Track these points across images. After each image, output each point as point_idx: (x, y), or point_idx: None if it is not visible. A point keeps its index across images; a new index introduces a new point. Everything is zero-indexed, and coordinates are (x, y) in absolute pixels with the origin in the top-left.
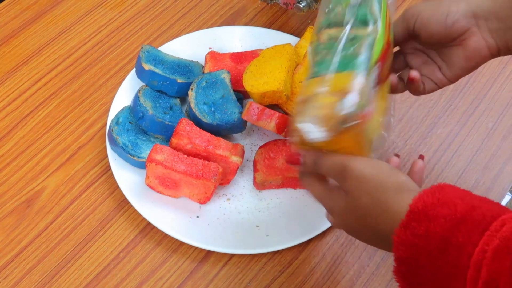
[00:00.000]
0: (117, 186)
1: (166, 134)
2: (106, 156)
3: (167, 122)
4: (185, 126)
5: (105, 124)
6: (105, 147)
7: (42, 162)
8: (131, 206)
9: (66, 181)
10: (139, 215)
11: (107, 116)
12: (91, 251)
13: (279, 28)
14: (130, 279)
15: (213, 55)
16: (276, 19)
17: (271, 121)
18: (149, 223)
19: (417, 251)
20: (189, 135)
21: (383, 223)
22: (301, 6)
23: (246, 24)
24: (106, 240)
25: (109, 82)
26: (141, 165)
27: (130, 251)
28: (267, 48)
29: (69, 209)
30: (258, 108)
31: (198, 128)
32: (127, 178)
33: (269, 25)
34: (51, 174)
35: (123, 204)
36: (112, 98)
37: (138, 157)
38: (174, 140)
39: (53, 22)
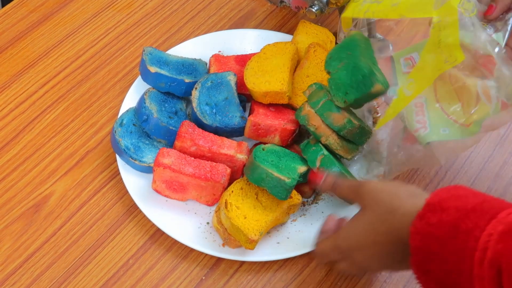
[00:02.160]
0: (126, 191)
1: (169, 139)
2: (115, 161)
3: (171, 127)
4: (188, 128)
5: None
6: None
7: (50, 166)
8: (141, 211)
9: (75, 186)
10: (149, 221)
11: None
12: (100, 257)
13: (289, 32)
14: (139, 286)
15: (217, 58)
16: (285, 22)
17: (274, 136)
18: (158, 229)
19: (429, 239)
20: (192, 136)
21: (399, 223)
22: (313, 10)
23: (255, 27)
24: (115, 246)
25: (117, 85)
26: (143, 169)
27: (140, 257)
28: (268, 45)
29: (77, 215)
30: (259, 125)
31: (200, 130)
32: (136, 184)
33: (279, 28)
34: (59, 178)
35: (132, 209)
36: (121, 101)
37: (140, 161)
38: (177, 143)
39: (61, 24)
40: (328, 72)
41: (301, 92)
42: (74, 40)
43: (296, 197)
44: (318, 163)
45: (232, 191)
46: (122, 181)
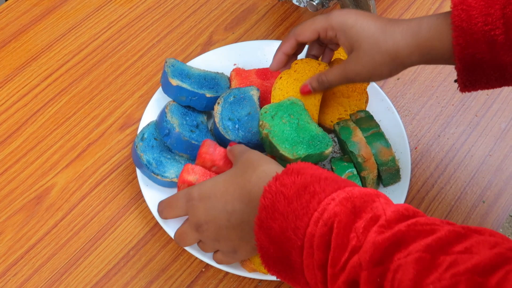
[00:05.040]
0: (127, 184)
1: (192, 153)
2: (116, 153)
3: (193, 142)
4: (208, 148)
5: (115, 121)
6: (116, 143)
7: (51, 158)
8: (141, 203)
9: (76, 178)
10: (149, 212)
11: (118, 112)
12: (101, 249)
13: (291, 26)
14: (140, 277)
15: (238, 72)
16: (287, 17)
17: None
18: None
19: (279, 197)
20: (213, 157)
21: (256, 178)
22: (314, 3)
23: (257, 21)
24: (116, 238)
25: (119, 79)
26: (165, 184)
27: (140, 249)
28: (301, 60)
29: (79, 206)
30: None
31: (222, 149)
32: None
33: (280, 22)
34: (61, 171)
35: (133, 201)
36: (123, 94)
37: (162, 176)
38: (198, 163)
39: (63, 18)
40: (262, 125)
41: (328, 110)
42: (76, 34)
43: None
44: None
45: None
46: (123, 173)
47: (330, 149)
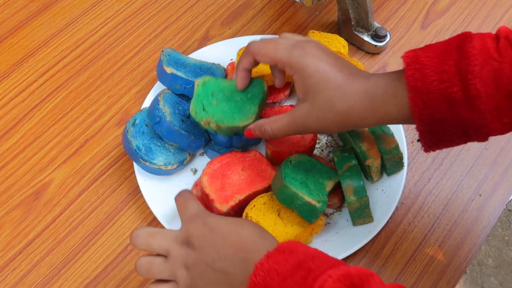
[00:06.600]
0: (125, 179)
1: (181, 143)
2: (114, 149)
3: (183, 132)
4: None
5: (112, 117)
6: (113, 139)
7: (49, 154)
8: (139, 198)
9: (74, 174)
10: (147, 207)
11: (115, 108)
12: (99, 244)
13: (287, 21)
14: None
15: (233, 67)
16: (283, 11)
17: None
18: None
19: (271, 274)
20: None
21: (255, 254)
22: None
23: (253, 16)
24: (114, 233)
25: (116, 74)
26: (154, 171)
27: None
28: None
29: (76, 202)
30: (280, 151)
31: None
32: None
33: (277, 17)
34: (59, 166)
35: (131, 196)
36: (120, 90)
37: (151, 162)
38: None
39: (60, 14)
40: (206, 122)
41: None
42: (73, 30)
43: (319, 218)
44: (344, 168)
45: (254, 206)
46: (121, 168)
47: (266, 87)
